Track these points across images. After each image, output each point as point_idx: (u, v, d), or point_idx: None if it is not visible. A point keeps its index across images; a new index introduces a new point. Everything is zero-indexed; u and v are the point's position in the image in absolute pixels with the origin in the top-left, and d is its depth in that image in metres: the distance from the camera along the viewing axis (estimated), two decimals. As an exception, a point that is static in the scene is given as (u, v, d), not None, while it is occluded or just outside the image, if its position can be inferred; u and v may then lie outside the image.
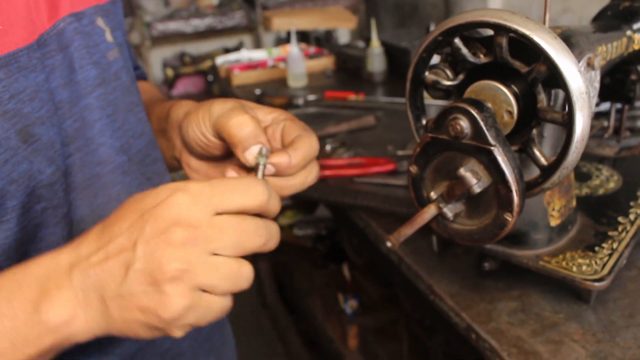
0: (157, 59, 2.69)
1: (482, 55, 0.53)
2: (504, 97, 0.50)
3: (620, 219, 0.67)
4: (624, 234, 0.64)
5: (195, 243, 0.35)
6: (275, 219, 0.42)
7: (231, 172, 0.49)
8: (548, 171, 0.50)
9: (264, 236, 0.38)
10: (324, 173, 1.00)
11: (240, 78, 1.69)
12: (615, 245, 0.62)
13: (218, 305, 0.37)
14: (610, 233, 0.64)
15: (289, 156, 0.45)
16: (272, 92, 1.54)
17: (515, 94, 0.51)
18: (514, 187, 0.47)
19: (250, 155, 0.45)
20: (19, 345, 0.35)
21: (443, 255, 0.78)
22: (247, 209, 0.37)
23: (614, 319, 0.63)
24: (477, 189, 0.48)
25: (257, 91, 1.56)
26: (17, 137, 0.39)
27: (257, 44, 2.75)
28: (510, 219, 0.49)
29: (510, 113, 0.51)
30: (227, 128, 0.45)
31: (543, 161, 0.51)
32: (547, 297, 0.67)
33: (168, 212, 0.35)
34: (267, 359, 2.06)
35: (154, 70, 2.62)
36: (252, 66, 1.74)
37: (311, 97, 1.46)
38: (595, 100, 0.59)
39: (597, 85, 0.58)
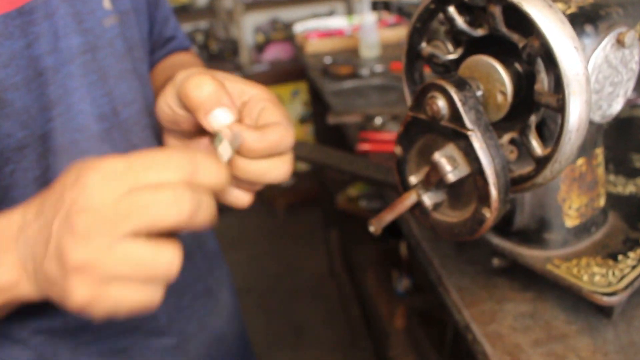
0: (249, 24, 2.73)
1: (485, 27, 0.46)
2: (497, 75, 0.44)
3: (663, 226, 0.57)
4: (661, 244, 0.55)
5: (100, 231, 0.31)
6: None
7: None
8: (541, 164, 0.44)
9: (187, 209, 0.32)
10: (365, 147, 0.97)
11: (314, 46, 1.67)
12: (645, 256, 0.53)
13: (134, 298, 0.33)
14: (643, 241, 0.55)
15: (260, 134, 0.39)
16: (341, 61, 1.51)
17: (514, 73, 0.44)
18: (491, 180, 0.42)
19: (213, 120, 0.39)
20: None
21: (463, 245, 0.72)
22: (167, 183, 0.33)
23: (636, 340, 0.55)
24: (451, 178, 0.43)
25: (327, 59, 1.53)
26: None
27: (350, 11, 2.69)
28: (488, 215, 0.43)
29: (504, 94, 0.44)
30: (186, 91, 0.40)
31: (538, 152, 0.44)
32: (564, 305, 0.59)
33: (76, 195, 0.32)
34: (326, 327, 2.09)
35: (246, 35, 2.67)
36: (328, 34, 1.71)
37: (378, 69, 1.41)
38: (631, 83, 0.50)
39: (634, 66, 0.50)
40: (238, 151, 0.40)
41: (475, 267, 0.67)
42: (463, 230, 0.46)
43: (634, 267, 0.52)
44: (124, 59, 0.52)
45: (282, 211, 2.79)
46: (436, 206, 0.48)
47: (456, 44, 0.49)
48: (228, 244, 2.64)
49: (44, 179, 0.46)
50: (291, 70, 2.53)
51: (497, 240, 0.58)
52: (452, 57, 0.49)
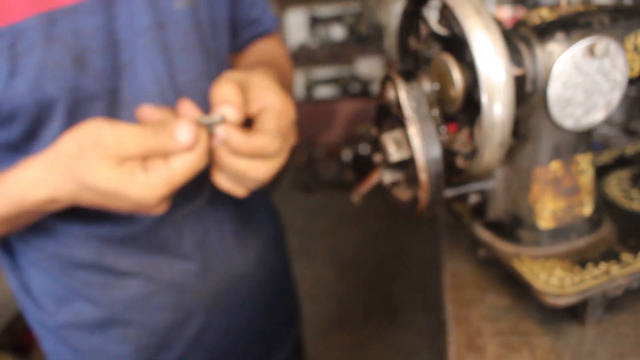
0: (398, 10, 2.79)
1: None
2: (449, 71, 0.48)
3: (657, 246, 0.55)
4: (639, 263, 0.53)
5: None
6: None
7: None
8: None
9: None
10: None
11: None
12: (614, 270, 0.53)
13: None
14: (623, 256, 0.54)
15: (244, 137, 0.48)
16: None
17: (468, 70, 0.48)
18: (420, 164, 0.47)
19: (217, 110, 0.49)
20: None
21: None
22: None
23: (597, 351, 0.55)
24: (393, 158, 0.49)
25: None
26: (70, 61, 0.54)
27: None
28: (421, 197, 0.49)
29: (454, 89, 0.48)
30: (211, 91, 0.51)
31: (478, 144, 0.48)
32: (545, 306, 0.60)
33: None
34: (420, 311, 2.12)
35: (393, 20, 2.73)
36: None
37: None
38: (616, 94, 0.50)
39: (618, 77, 0.50)
40: (226, 145, 0.48)
41: (478, 258, 0.70)
42: (408, 208, 0.52)
43: (596, 277, 0.52)
44: (189, 35, 0.63)
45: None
46: (394, 184, 0.54)
47: (436, 43, 0.53)
48: (347, 219, 2.77)
49: None
50: (430, 58, 2.54)
51: (480, 231, 0.61)
52: (431, 54, 0.53)
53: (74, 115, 0.57)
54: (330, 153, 2.96)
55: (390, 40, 2.75)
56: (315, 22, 2.94)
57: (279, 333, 0.88)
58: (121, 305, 0.68)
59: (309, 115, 2.91)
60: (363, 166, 2.99)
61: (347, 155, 2.92)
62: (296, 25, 2.99)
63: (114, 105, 0.59)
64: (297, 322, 0.95)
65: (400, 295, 2.23)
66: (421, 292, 2.22)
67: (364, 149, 2.85)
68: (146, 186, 0.46)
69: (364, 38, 2.85)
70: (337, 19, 2.90)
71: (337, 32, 3.00)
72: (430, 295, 2.19)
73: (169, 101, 0.63)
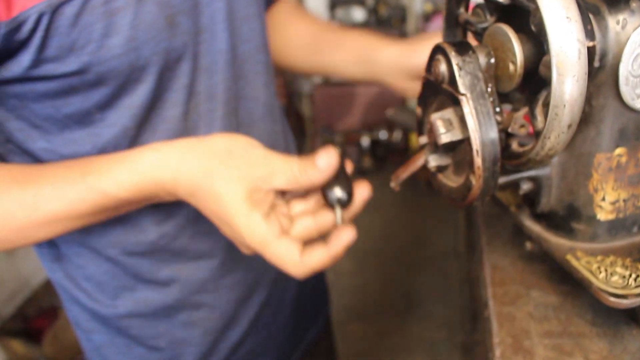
0: (421, -8, 2.71)
1: (518, -5, 0.45)
2: (509, 44, 0.43)
3: None
4: None
5: None
6: None
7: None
8: (537, 138, 0.42)
9: None
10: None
11: (465, 16, 1.62)
12: (684, 268, 0.48)
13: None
14: (693, 253, 0.49)
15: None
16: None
17: (530, 43, 0.43)
18: (475, 146, 0.42)
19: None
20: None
21: (520, 230, 0.69)
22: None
23: (660, 357, 0.50)
24: (443, 139, 0.44)
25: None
26: (164, 21, 0.51)
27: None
28: (474, 182, 0.44)
29: (514, 64, 0.43)
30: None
31: (539, 126, 0.42)
32: (598, 306, 0.55)
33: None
34: (439, 303, 2.08)
35: (415, 3, 2.65)
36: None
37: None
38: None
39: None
40: None
41: (521, 251, 0.65)
42: (457, 195, 0.47)
43: (663, 276, 0.47)
44: (247, 5, 0.61)
45: (424, 183, 2.79)
46: (441, 168, 0.49)
47: (490, 12, 0.48)
48: (365, 207, 2.72)
49: (191, 88, 0.57)
50: (453, 43, 2.46)
51: (529, 223, 0.56)
52: (484, 25, 0.48)
53: (162, 79, 0.54)
54: (349, 139, 2.91)
55: (412, 25, 2.68)
56: (335, 4, 2.87)
57: (315, 308, 0.88)
58: (192, 288, 0.65)
59: (327, 99, 2.86)
60: (381, 152, 2.93)
61: (365, 141, 2.86)
62: (316, 7, 2.92)
63: (195, 70, 0.57)
64: (327, 298, 0.95)
65: (419, 286, 2.19)
66: (440, 283, 2.18)
67: (383, 135, 2.79)
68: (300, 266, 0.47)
69: (385, 21, 2.77)
70: (358, 1, 2.83)
71: (358, 15, 2.93)
72: (449, 287, 2.14)
73: (236, 70, 0.61)
